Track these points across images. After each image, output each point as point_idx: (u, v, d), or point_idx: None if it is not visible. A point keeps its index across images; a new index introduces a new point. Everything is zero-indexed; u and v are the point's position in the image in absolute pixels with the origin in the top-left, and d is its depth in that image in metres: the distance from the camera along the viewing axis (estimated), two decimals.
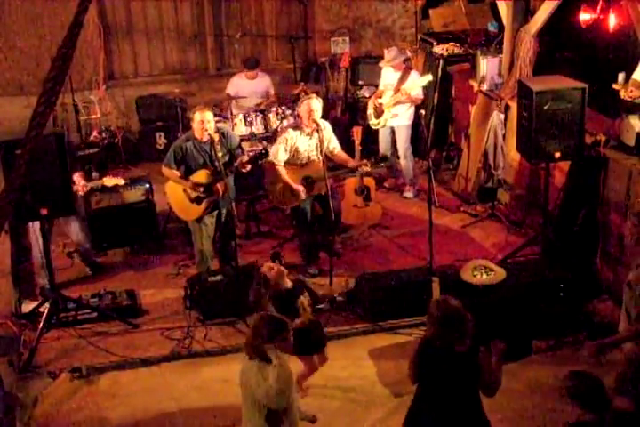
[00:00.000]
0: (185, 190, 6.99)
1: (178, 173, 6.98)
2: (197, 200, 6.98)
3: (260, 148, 8.37)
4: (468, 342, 4.31)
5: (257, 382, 4.25)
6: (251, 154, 7.40)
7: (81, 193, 6.98)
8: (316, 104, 7.08)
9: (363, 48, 10.63)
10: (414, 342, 4.53)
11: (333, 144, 7.38)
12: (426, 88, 8.82)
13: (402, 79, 8.57)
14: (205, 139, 6.84)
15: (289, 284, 5.41)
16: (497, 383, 4.39)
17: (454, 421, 4.40)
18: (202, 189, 6.93)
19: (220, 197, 6.89)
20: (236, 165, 6.96)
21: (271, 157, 7.22)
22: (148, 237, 7.96)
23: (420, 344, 4.46)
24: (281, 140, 7.23)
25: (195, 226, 7.13)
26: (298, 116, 7.45)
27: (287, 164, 7.24)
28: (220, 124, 7.39)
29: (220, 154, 6.83)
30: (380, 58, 8.92)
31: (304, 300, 5.46)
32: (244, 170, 7.02)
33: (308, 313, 5.45)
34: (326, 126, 7.31)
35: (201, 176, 6.94)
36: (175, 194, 7.09)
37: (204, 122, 6.78)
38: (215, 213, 7.09)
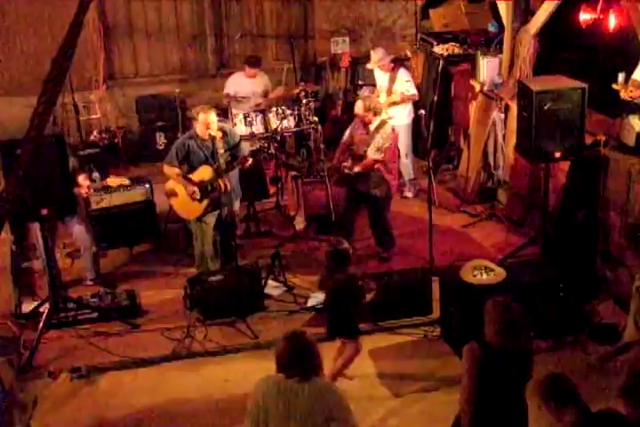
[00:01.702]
0: (186, 187, 7.00)
1: (178, 171, 6.98)
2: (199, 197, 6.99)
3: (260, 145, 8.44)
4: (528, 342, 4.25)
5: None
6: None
7: (85, 195, 6.96)
8: None
9: (363, 48, 10.62)
10: (469, 352, 4.33)
11: None
12: (425, 87, 8.81)
13: (391, 80, 8.57)
14: (207, 136, 6.86)
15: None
16: None
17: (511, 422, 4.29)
18: (204, 185, 6.94)
19: (222, 192, 6.90)
20: (237, 162, 6.98)
21: None
22: (149, 238, 7.97)
23: (481, 352, 4.20)
24: None
25: (195, 226, 7.14)
26: None
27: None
28: (221, 124, 7.40)
29: (221, 151, 6.85)
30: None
31: None
32: (245, 165, 7.05)
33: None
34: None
35: (203, 172, 6.95)
36: (177, 192, 7.08)
37: (208, 123, 6.81)
38: (216, 212, 7.10)
